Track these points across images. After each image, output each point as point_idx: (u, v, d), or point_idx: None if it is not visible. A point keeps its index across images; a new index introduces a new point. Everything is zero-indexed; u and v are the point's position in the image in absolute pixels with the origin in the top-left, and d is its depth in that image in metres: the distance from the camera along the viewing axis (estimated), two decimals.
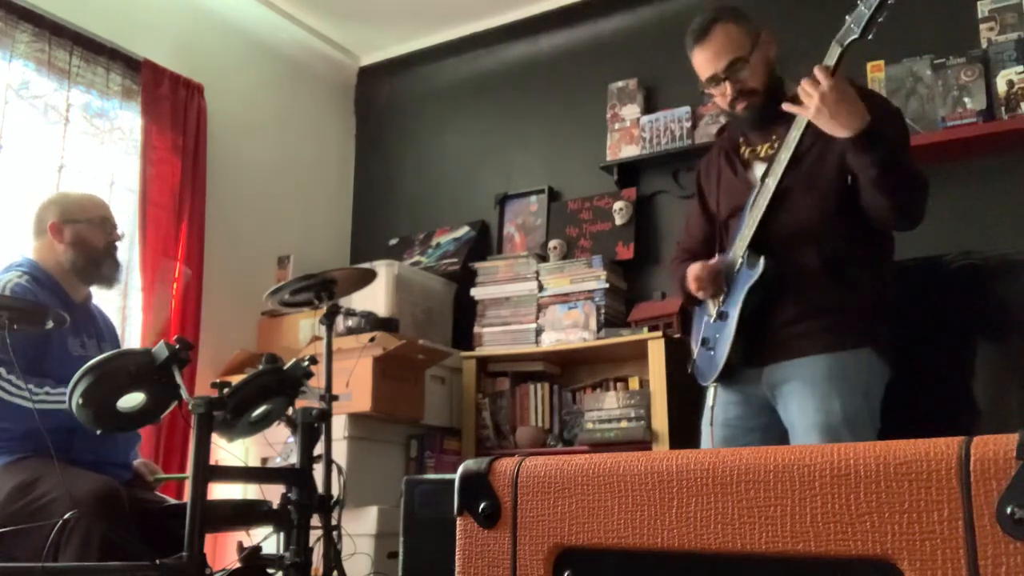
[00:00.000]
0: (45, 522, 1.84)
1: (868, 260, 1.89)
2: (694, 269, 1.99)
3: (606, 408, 3.25)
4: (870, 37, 1.70)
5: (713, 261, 1.99)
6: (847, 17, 1.73)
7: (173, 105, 3.55)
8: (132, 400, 1.84)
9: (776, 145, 1.92)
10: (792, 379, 1.87)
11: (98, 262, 2.42)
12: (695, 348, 2.09)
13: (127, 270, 3.28)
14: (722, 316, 1.96)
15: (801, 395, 1.85)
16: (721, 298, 1.97)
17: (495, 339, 3.62)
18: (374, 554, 2.93)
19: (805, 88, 1.73)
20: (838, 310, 1.86)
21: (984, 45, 3.01)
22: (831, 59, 1.74)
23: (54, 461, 1.86)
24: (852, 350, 1.84)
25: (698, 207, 2.21)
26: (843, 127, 1.72)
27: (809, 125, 1.79)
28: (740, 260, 1.92)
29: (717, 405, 2.02)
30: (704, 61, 2.00)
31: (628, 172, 3.71)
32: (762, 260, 1.87)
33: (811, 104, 1.72)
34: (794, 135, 1.83)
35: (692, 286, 1.99)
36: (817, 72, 1.72)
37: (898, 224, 1.88)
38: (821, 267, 1.87)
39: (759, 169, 1.98)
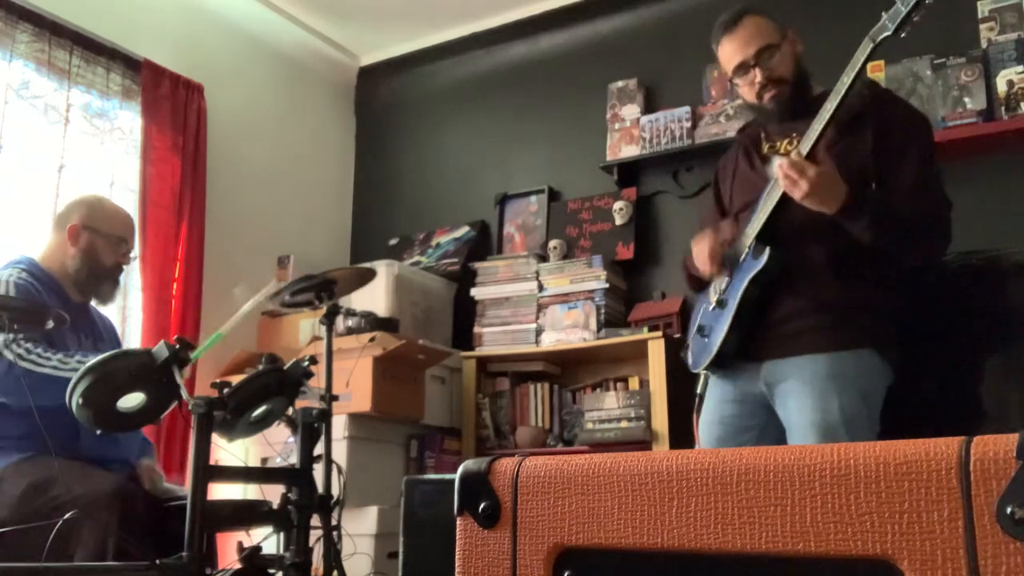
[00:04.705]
0: (59, 520, 1.83)
1: (875, 259, 1.88)
2: (705, 243, 1.99)
3: (606, 408, 3.25)
4: (903, 35, 1.71)
5: (725, 232, 2.00)
6: (883, 14, 1.74)
7: (173, 105, 3.55)
8: (132, 400, 1.84)
9: (796, 142, 1.92)
10: (790, 377, 1.87)
11: (100, 279, 2.42)
12: (691, 334, 2.09)
13: (127, 270, 3.28)
14: (721, 304, 1.96)
15: (799, 394, 1.84)
16: (723, 286, 1.97)
17: (495, 339, 3.62)
18: (374, 554, 2.93)
19: (788, 174, 1.76)
20: (841, 308, 1.85)
21: (984, 45, 3.01)
22: (862, 53, 1.75)
23: (68, 458, 1.85)
24: (853, 350, 1.83)
25: (713, 201, 2.21)
26: (829, 206, 1.77)
27: (830, 122, 1.79)
28: (746, 250, 1.92)
29: (712, 403, 2.02)
30: (734, 49, 1.98)
31: (628, 172, 3.72)
32: (767, 250, 1.87)
33: (796, 193, 1.77)
34: (816, 128, 1.82)
35: (703, 257, 1.99)
36: (797, 162, 1.76)
37: (916, 261, 1.91)
38: (827, 263, 1.87)
39: (776, 164, 1.98)
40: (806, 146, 1.81)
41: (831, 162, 1.78)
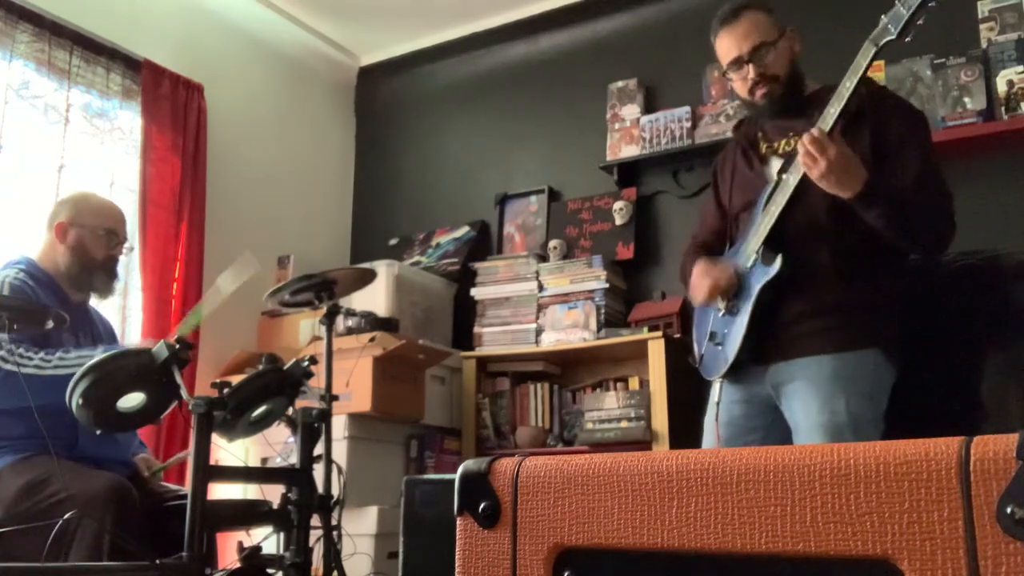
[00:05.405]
0: (55, 520, 1.83)
1: (880, 259, 1.88)
2: (703, 270, 1.99)
3: (606, 408, 3.25)
4: (908, 39, 1.68)
5: (723, 264, 1.98)
6: (883, 17, 1.71)
7: (173, 105, 3.55)
8: (132, 400, 1.84)
9: (794, 142, 1.91)
10: (797, 379, 1.87)
11: (92, 272, 2.41)
12: (701, 342, 2.07)
13: (127, 270, 3.28)
14: (732, 311, 1.95)
15: (806, 395, 1.84)
16: (732, 293, 1.97)
17: (495, 339, 3.62)
18: (374, 554, 2.93)
19: (809, 151, 1.73)
20: (847, 309, 1.85)
21: (984, 45, 3.01)
22: (864, 58, 1.73)
23: (67, 459, 1.84)
24: (858, 351, 1.83)
25: (712, 200, 2.20)
26: (846, 189, 1.74)
27: (834, 126, 1.78)
28: (754, 256, 1.91)
29: (721, 402, 2.02)
30: (730, 43, 1.98)
31: (628, 172, 3.72)
32: (779, 257, 1.86)
33: (815, 171, 1.73)
34: (833, 112, 1.80)
35: (704, 293, 1.98)
36: (819, 137, 1.72)
37: (922, 253, 1.91)
38: (832, 264, 1.87)
39: (775, 165, 1.97)
40: (827, 124, 1.77)
41: (849, 149, 1.75)
